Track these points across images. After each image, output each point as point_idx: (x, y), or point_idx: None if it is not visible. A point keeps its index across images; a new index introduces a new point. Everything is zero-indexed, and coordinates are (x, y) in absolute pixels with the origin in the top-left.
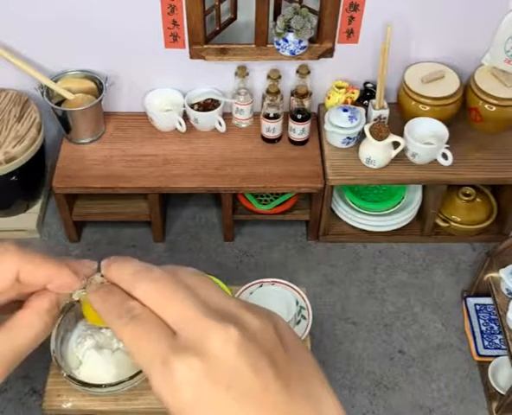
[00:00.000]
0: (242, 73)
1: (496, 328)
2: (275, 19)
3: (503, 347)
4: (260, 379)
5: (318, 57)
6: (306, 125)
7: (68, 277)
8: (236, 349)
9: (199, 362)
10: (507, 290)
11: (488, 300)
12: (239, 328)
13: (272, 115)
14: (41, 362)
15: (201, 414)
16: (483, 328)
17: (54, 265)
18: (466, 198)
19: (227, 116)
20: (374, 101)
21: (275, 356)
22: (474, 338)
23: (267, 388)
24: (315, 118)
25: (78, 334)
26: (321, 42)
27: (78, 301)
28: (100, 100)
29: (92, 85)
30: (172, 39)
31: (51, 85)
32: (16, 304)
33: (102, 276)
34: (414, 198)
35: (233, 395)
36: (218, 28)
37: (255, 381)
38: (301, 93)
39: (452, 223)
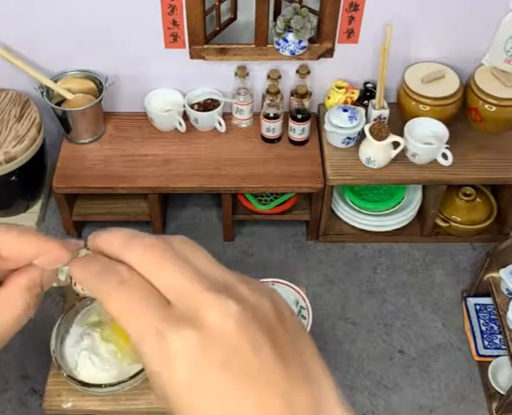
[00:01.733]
0: (242, 73)
1: (495, 328)
2: (275, 19)
3: (503, 347)
4: (258, 357)
5: (318, 57)
6: (306, 125)
7: (57, 250)
8: (235, 324)
9: (195, 335)
10: (507, 290)
11: (488, 300)
12: (237, 302)
13: (272, 115)
14: (41, 362)
15: (195, 389)
16: (483, 328)
17: (41, 239)
18: (466, 198)
19: (227, 116)
20: (374, 101)
21: (274, 334)
22: (474, 338)
23: (265, 366)
24: (315, 118)
25: (76, 333)
26: (321, 42)
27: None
28: (100, 100)
29: (92, 85)
30: (172, 39)
31: (51, 85)
32: None
33: (88, 249)
34: (414, 198)
35: (230, 371)
36: (218, 28)
37: (253, 359)
38: (301, 93)
39: (452, 223)
